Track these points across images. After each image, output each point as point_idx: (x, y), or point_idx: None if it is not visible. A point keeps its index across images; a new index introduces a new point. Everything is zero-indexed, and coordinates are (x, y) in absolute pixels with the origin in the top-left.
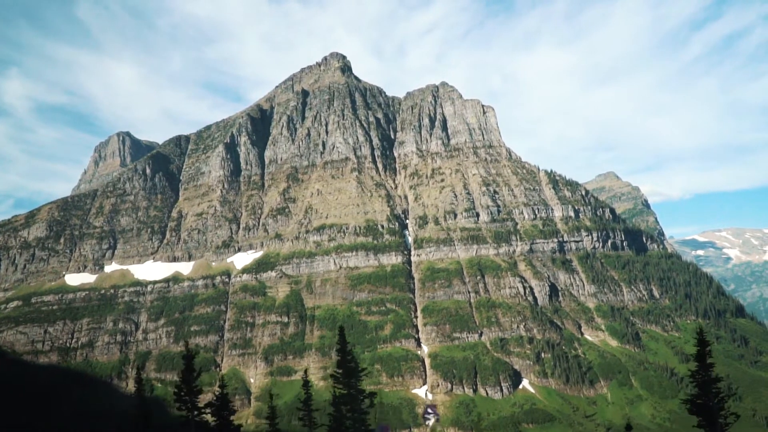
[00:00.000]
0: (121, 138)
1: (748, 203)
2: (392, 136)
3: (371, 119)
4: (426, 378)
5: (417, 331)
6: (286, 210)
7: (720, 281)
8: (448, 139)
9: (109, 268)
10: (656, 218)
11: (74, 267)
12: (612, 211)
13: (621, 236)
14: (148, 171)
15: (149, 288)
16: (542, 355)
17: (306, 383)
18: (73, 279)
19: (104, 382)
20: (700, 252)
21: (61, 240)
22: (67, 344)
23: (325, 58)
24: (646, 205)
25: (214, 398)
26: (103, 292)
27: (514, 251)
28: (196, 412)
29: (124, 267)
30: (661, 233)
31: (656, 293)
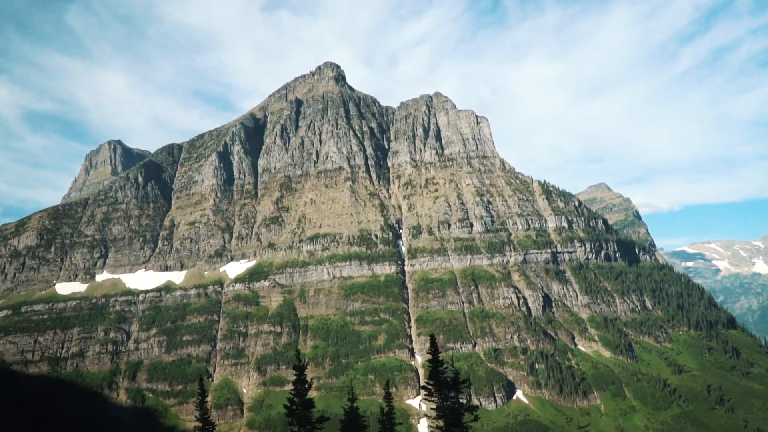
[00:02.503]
0: (112, 146)
1: (737, 216)
2: (386, 146)
3: (365, 129)
4: (420, 389)
5: (411, 342)
6: (280, 219)
7: (709, 293)
8: (442, 149)
9: (100, 277)
10: (647, 230)
11: (65, 276)
12: (605, 222)
13: (614, 247)
14: (140, 179)
15: (141, 297)
16: (536, 365)
17: (388, 395)
18: (63, 288)
19: (95, 393)
20: (690, 263)
21: (52, 248)
22: (58, 354)
23: (319, 68)
24: (638, 216)
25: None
26: (94, 301)
27: (508, 261)
28: (308, 427)
29: (116, 276)
30: (653, 244)
31: (649, 304)
